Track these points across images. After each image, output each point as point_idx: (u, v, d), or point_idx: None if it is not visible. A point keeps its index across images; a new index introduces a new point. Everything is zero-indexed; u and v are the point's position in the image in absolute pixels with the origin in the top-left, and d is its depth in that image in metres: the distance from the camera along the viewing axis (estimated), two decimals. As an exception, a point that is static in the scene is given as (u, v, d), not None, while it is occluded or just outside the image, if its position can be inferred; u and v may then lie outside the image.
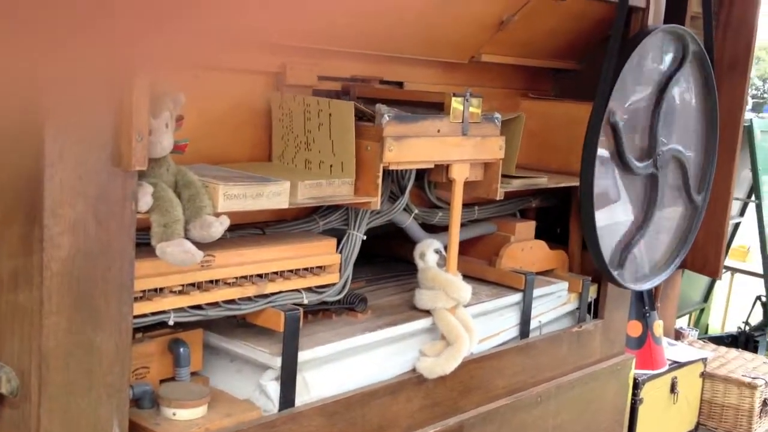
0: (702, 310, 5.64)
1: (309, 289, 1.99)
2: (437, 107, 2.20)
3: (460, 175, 2.19)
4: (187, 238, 1.61)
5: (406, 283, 2.54)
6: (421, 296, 2.23)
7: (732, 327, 6.03)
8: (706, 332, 5.67)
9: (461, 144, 2.14)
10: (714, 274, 3.72)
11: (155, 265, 1.68)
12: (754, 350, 4.78)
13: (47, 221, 1.43)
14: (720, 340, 4.92)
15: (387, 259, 2.69)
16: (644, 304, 3.03)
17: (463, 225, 2.49)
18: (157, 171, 1.61)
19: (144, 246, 1.64)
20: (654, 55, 2.58)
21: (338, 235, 2.10)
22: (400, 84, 2.50)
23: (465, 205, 2.47)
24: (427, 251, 2.25)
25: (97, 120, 1.47)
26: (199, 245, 1.65)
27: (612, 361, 2.81)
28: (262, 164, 2.09)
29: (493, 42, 2.58)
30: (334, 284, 2.03)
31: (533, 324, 2.55)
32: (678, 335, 3.85)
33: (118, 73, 1.48)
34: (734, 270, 5.65)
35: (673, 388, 3.18)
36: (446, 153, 2.11)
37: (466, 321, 2.22)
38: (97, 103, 1.47)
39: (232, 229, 1.79)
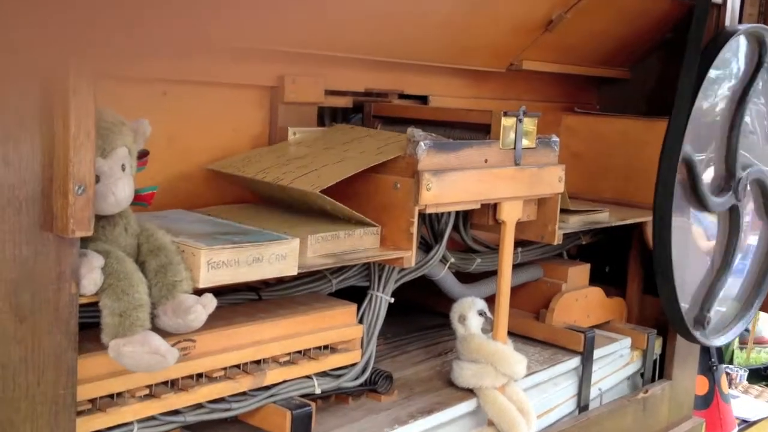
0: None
1: (323, 373, 1.50)
2: (470, 128, 1.73)
3: (511, 215, 1.71)
4: (155, 329, 1.12)
5: (433, 344, 2.06)
6: (461, 371, 1.74)
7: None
8: (732, 362, 5.19)
9: (514, 177, 1.66)
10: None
11: (110, 360, 1.18)
12: (803, 384, 4.31)
13: (-63, 321, 0.94)
14: (758, 374, 4.45)
15: (402, 307, 2.20)
16: (710, 355, 2.55)
17: (502, 271, 2.02)
18: (111, 233, 1.12)
19: (90, 327, 1.15)
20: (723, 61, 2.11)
21: (353, 293, 1.62)
22: (423, 98, 2.02)
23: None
24: (469, 313, 1.76)
25: (15, 162, 0.98)
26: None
27: (680, 429, 2.33)
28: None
29: (535, 47, 2.10)
30: (354, 365, 1.55)
31: (593, 392, 2.07)
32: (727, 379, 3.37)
33: (45, 88, 1.00)
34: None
35: (741, 452, 2.71)
36: (495, 189, 1.63)
37: (520, 401, 1.74)
38: (13, 136, 0.98)
39: (218, 293, 1.30)
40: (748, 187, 2.21)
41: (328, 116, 1.90)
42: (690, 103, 1.87)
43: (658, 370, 2.30)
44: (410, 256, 1.49)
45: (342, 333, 1.51)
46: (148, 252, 1.14)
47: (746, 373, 3.63)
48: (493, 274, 2.02)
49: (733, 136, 2.11)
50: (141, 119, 1.14)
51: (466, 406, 1.73)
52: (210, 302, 1.14)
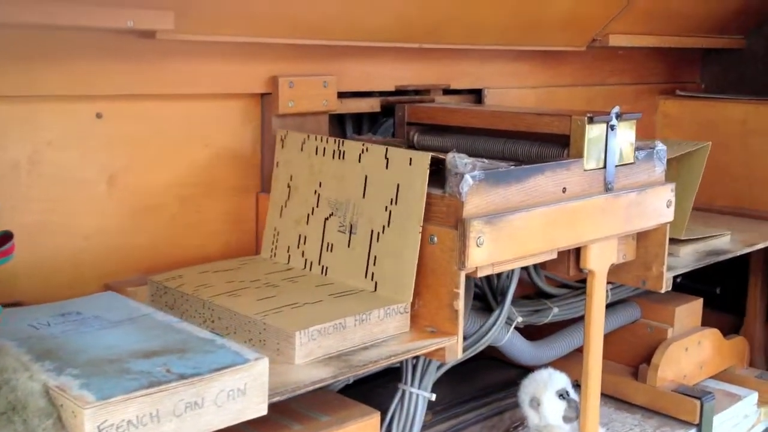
0: None
1: None
2: (543, 138, 1.22)
3: (601, 262, 1.21)
4: None
5: (498, 412, 1.58)
6: (536, 476, 1.27)
7: None
8: None
9: (605, 209, 1.16)
10: None
11: None
12: None
13: None
14: None
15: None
16: None
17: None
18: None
19: None
20: None
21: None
22: (477, 93, 1.52)
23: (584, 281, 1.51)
24: (544, 396, 1.28)
25: None
26: None
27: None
28: (241, 263, 1.14)
29: (624, 16, 1.58)
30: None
31: (711, 471, 1.57)
32: None
33: None
34: None
35: None
36: (579, 230, 1.13)
37: None
38: None
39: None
40: None
41: (350, 123, 1.42)
42: None
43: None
44: (454, 345, 1.01)
45: (359, 460, 1.04)
46: None
47: None
48: (571, 322, 1.54)
49: None
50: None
51: None
52: None
